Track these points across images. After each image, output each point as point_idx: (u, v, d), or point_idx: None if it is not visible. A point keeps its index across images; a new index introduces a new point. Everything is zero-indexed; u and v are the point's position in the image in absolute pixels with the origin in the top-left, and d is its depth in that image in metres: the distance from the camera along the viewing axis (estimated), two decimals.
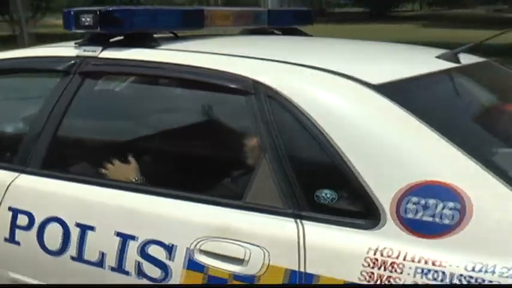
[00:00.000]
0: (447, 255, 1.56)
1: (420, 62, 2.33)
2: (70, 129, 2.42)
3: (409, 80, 2.02)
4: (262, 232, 1.79)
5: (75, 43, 2.39)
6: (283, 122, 1.86)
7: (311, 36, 3.02)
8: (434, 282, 1.54)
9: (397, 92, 1.88)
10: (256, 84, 1.91)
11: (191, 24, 2.61)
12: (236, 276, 1.78)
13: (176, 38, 2.53)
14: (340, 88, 1.88)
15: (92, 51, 2.33)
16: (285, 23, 3.13)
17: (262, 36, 2.93)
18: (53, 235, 2.11)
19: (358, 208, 1.71)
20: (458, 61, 2.21)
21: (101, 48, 2.31)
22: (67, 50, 2.42)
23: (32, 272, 2.22)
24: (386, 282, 1.59)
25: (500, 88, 2.45)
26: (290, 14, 3.31)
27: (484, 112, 2.18)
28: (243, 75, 1.95)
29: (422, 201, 1.61)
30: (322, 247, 1.71)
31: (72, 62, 2.34)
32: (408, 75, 2.04)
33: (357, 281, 1.62)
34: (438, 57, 2.22)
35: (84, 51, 2.34)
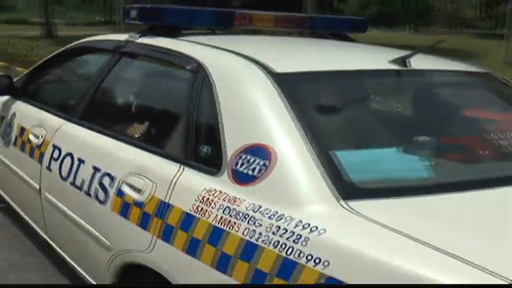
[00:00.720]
0: (246, 198, 1.98)
1: (339, 59, 2.81)
2: (101, 94, 3.20)
3: (309, 73, 2.45)
4: (157, 171, 2.38)
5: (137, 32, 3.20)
6: (202, 90, 2.42)
7: (352, 41, 3.54)
8: (229, 217, 1.96)
9: (291, 81, 2.31)
10: (197, 63, 2.52)
11: (222, 23, 3.36)
12: (135, 202, 2.38)
13: (208, 33, 3.31)
14: (243, 68, 2.39)
15: (133, 37, 3.12)
16: (327, 29, 3.60)
17: (278, 37, 3.50)
18: (65, 165, 2.92)
19: (216, 161, 2.19)
20: (404, 65, 2.54)
21: (139, 35, 3.10)
22: (122, 36, 3.27)
23: (54, 193, 3.03)
24: (201, 213, 2.06)
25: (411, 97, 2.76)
26: (329, 21, 3.70)
27: (352, 111, 2.50)
28: (193, 57, 2.58)
29: (248, 158, 2.06)
30: (182, 185, 2.24)
31: (119, 44, 3.17)
32: (312, 69, 2.49)
33: (187, 211, 2.11)
34: (392, 60, 2.57)
35: (129, 37, 3.15)
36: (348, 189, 1.88)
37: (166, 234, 2.17)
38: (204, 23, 3.32)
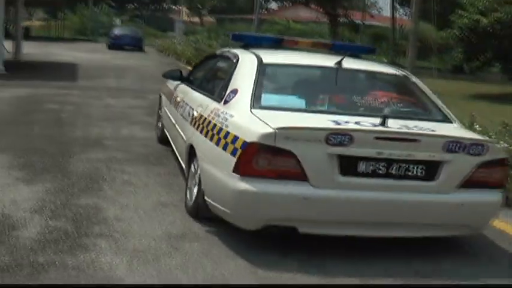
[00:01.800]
0: (225, 109, 5.33)
1: (307, 60, 6.06)
2: (205, 74, 7.06)
3: (278, 64, 5.78)
4: (205, 103, 5.92)
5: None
6: (234, 68, 5.73)
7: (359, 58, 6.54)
8: (217, 117, 5.23)
9: (267, 65, 5.50)
10: (238, 57, 5.91)
11: (276, 43, 6.61)
12: (194, 117, 5.91)
13: (270, 49, 6.37)
14: (251, 59, 5.64)
15: (226, 49, 7.00)
16: (344, 50, 6.33)
17: (301, 51, 6.61)
18: (181, 107, 6.81)
19: (222, 96, 5.52)
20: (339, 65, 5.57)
21: (230, 47, 6.89)
22: (224, 49, 7.09)
23: (176, 120, 6.94)
24: (211, 117, 5.31)
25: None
26: (347, 47, 7.04)
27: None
28: (238, 54, 5.99)
29: (230, 94, 5.44)
30: (209, 107, 5.64)
31: (221, 52, 6.94)
32: (281, 62, 5.87)
33: (206, 117, 5.42)
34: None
35: (226, 49, 6.86)
36: (256, 106, 4.93)
37: (199, 129, 5.42)
38: (266, 43, 6.69)
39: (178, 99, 7.06)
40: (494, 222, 5.48)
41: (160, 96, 8.92)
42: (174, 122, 7.06)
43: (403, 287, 4.41)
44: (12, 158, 7.45)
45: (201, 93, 6.28)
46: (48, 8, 62.08)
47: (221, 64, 6.55)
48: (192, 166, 5.58)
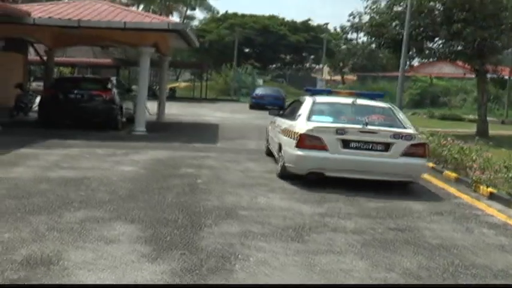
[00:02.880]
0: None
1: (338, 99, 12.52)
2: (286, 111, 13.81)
3: (327, 102, 12.27)
4: (285, 124, 12.47)
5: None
6: (300, 105, 12.42)
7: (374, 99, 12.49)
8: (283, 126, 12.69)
9: (320, 103, 11.88)
10: (300, 100, 13.01)
11: (328, 92, 13.73)
12: (279, 133, 13.02)
13: (325, 95, 13.22)
14: (308, 99, 12.18)
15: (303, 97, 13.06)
16: (365, 97, 12.44)
17: (342, 96, 12.80)
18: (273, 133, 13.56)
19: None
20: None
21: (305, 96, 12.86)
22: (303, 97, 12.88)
23: (270, 144, 14.18)
24: (285, 132, 12.24)
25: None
26: (365, 94, 13.10)
27: None
28: (302, 98, 12.98)
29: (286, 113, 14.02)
30: (284, 124, 12.80)
31: (300, 98, 13.36)
32: (326, 101, 12.28)
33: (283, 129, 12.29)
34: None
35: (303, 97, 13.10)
36: (309, 120, 11.16)
37: (283, 134, 11.83)
38: (322, 93, 13.24)
39: (276, 124, 13.31)
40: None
41: (267, 128, 15.12)
42: (272, 136, 13.54)
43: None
44: (140, 229, 6.94)
45: (286, 118, 12.50)
46: (194, 69, 64.52)
47: (297, 104, 12.68)
48: (280, 153, 11.67)
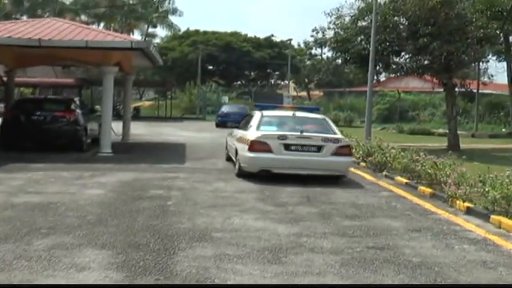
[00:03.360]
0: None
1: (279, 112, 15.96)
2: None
3: (270, 115, 15.29)
4: (239, 134, 16.12)
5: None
6: (251, 118, 16.11)
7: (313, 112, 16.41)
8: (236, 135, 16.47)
9: (266, 116, 15.07)
10: (251, 114, 17.03)
11: (274, 108, 16.43)
12: (234, 143, 16.39)
13: (272, 108, 16.42)
14: (257, 113, 15.65)
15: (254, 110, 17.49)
16: (305, 110, 16.25)
17: (285, 111, 16.11)
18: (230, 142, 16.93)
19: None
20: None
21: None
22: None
23: (229, 151, 17.29)
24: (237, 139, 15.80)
25: None
26: (304, 108, 17.44)
27: None
28: (254, 112, 16.40)
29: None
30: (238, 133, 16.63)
31: (252, 112, 17.27)
32: (270, 114, 15.36)
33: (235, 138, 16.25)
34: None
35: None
36: (257, 130, 14.32)
37: (238, 141, 15.14)
38: (268, 108, 16.08)
39: (233, 134, 16.37)
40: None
41: (226, 138, 18.15)
42: (230, 144, 16.46)
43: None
44: (112, 255, 6.80)
45: (241, 129, 15.43)
46: (159, 87, 64.35)
47: (249, 117, 15.65)
48: (237, 157, 14.52)
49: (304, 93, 76.39)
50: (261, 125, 14.36)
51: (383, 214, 10.18)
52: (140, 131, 29.39)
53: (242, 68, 73.34)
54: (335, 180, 13.90)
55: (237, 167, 14.56)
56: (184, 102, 61.60)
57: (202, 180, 13.42)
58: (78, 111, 19.33)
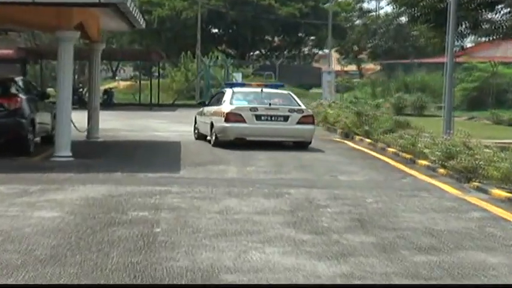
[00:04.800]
0: None
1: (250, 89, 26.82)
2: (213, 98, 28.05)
3: (239, 91, 25.67)
4: (212, 110, 25.94)
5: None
6: (220, 94, 27.65)
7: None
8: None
9: (235, 91, 25.16)
10: (224, 91, 27.90)
11: (242, 86, 28.20)
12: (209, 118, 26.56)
13: (241, 86, 28.34)
14: (228, 90, 26.25)
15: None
16: (270, 87, 27.33)
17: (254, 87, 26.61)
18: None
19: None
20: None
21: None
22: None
23: (200, 128, 26.76)
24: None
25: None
26: (270, 85, 29.10)
27: None
28: (225, 90, 26.96)
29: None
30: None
31: (223, 89, 29.15)
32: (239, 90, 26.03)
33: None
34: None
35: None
36: (231, 104, 23.86)
37: (213, 115, 24.34)
38: (236, 86, 27.40)
39: (205, 111, 25.40)
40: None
41: (195, 117, 26.73)
42: (202, 121, 25.41)
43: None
44: None
45: (214, 106, 24.76)
46: (140, 60, 64.26)
47: (221, 94, 25.41)
48: (212, 129, 23.42)
49: (352, 67, 76.46)
50: (233, 99, 23.49)
51: (474, 245, 10.07)
52: (114, 124, 29.47)
53: (261, 31, 73.67)
54: (397, 196, 13.98)
55: (213, 138, 23.28)
56: (178, 82, 61.92)
57: (205, 196, 13.48)
58: (22, 96, 19.39)
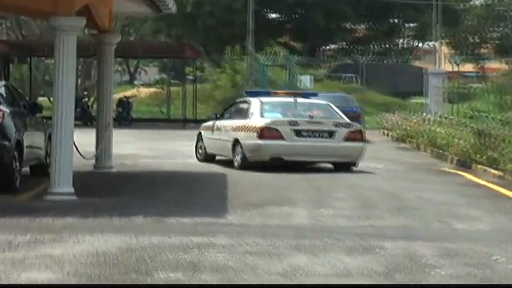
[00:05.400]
0: None
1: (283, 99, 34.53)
2: (231, 113, 34.35)
3: (268, 101, 32.08)
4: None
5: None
6: (248, 108, 32.05)
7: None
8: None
9: (265, 103, 31.20)
10: (249, 100, 33.75)
11: (266, 95, 34.09)
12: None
13: (266, 94, 35.46)
14: (255, 100, 31.87)
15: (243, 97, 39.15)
16: (304, 96, 34.56)
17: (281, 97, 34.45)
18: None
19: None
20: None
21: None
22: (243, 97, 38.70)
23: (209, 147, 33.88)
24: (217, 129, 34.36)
25: None
26: (301, 94, 35.96)
27: None
28: (249, 99, 32.56)
29: None
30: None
31: (241, 99, 37.94)
32: (269, 100, 32.65)
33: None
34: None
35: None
36: (262, 117, 30.06)
37: (238, 130, 30.23)
38: (260, 95, 33.69)
39: (218, 126, 30.49)
40: None
41: (200, 133, 31.65)
42: (216, 137, 30.49)
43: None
44: None
45: (233, 119, 30.35)
46: (169, 57, 64.46)
47: (241, 105, 31.65)
48: (237, 148, 28.02)
49: (469, 67, 76.28)
50: (264, 112, 27.61)
51: None
52: (132, 148, 29.76)
53: (339, 16, 74.08)
54: None
55: (238, 159, 26.90)
56: (222, 88, 62.26)
57: (262, 251, 13.57)
58: (3, 109, 19.57)
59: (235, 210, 17.80)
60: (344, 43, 79.76)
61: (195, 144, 30.57)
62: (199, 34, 67.54)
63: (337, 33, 77.46)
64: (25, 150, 20.06)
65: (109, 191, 20.21)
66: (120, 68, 70.24)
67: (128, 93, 63.14)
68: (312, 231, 15.43)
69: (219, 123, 28.71)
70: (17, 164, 19.58)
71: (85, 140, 23.67)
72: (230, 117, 28.39)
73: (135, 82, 77.09)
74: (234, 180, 23.23)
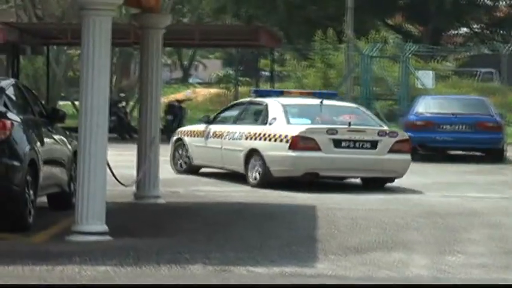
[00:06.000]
0: None
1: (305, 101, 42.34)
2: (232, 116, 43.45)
3: (290, 104, 40.58)
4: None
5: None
6: (264, 111, 40.77)
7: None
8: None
9: (286, 105, 38.74)
10: (266, 103, 41.06)
11: (278, 95, 43.26)
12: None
13: (279, 94, 44.25)
14: (273, 101, 40.07)
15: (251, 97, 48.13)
16: (319, 96, 41.48)
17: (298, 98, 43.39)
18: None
19: None
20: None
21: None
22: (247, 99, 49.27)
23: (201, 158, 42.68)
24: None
25: None
26: (318, 94, 43.57)
27: None
28: (264, 101, 40.20)
29: None
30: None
31: (248, 100, 46.98)
32: (288, 103, 39.77)
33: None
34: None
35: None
36: (287, 123, 37.67)
37: (257, 138, 37.21)
38: (271, 95, 42.73)
39: (216, 132, 36.91)
40: None
41: (180, 139, 38.84)
42: (216, 146, 36.52)
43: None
44: None
45: (241, 124, 36.63)
46: (234, 46, 64.55)
47: (251, 107, 38.68)
48: (251, 161, 33.27)
49: None
50: (289, 116, 30.91)
51: None
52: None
53: None
54: None
55: (257, 174, 30.93)
56: (311, 87, 62.23)
57: None
58: (12, 118, 19.70)
59: (327, 256, 17.86)
60: (479, 26, 79.67)
61: (170, 153, 34.32)
62: (279, 14, 67.87)
63: (470, 12, 77.53)
64: (41, 173, 20.23)
65: (155, 230, 20.33)
66: (170, 62, 71.02)
67: (181, 95, 63.49)
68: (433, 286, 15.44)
69: (216, 128, 32.16)
70: (31, 192, 19.64)
71: (122, 159, 23.90)
72: (235, 122, 31.68)
73: (190, 80, 77.87)
74: (327, 213, 23.21)
